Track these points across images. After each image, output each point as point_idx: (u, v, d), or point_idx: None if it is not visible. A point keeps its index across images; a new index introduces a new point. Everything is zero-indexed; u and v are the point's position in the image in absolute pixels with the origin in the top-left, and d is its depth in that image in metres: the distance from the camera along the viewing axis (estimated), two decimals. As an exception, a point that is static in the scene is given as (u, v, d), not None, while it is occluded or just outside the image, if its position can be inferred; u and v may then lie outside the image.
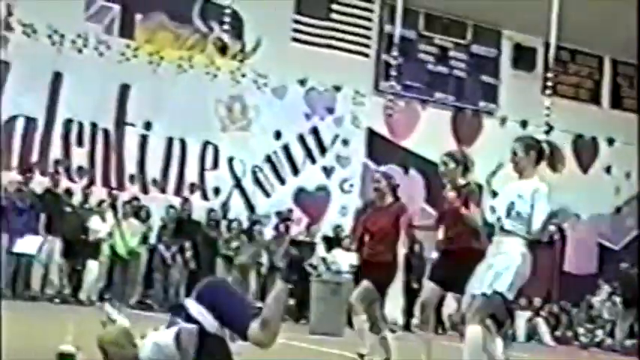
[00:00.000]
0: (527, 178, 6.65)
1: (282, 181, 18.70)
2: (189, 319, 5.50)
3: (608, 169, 21.61)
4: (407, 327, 17.72)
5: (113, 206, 16.36)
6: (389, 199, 8.69)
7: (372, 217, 8.86)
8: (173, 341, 5.45)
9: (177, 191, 17.83)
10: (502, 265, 6.47)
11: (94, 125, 17.28)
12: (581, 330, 19.15)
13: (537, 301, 18.55)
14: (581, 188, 20.56)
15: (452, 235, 7.82)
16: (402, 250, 16.42)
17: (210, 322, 5.47)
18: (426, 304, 7.88)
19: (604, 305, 19.12)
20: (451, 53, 20.36)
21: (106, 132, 17.41)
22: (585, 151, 21.39)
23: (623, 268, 18.75)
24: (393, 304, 17.43)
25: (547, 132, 18.06)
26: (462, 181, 7.82)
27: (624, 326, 18.30)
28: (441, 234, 7.96)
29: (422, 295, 8.05)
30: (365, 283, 8.46)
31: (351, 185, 19.28)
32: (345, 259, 15.34)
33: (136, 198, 16.99)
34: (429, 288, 7.98)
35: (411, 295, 17.59)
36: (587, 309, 19.51)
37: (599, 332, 18.67)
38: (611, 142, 21.55)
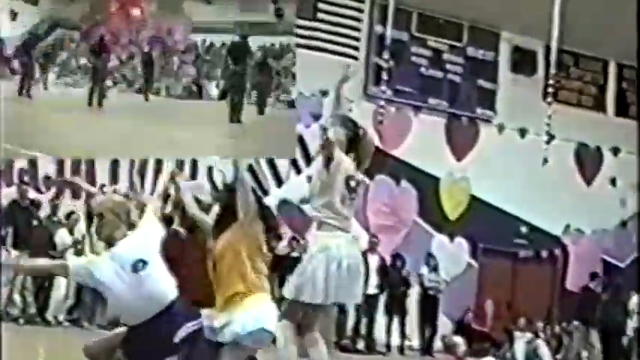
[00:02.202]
0: None
1: (265, 193, 17.96)
2: None
3: (613, 181, 21.31)
4: (428, 350, 17.44)
5: (89, 217, 15.62)
6: None
7: None
8: None
9: (152, 202, 17.14)
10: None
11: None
12: (584, 353, 18.41)
13: (538, 322, 18.24)
14: (585, 201, 20.51)
15: None
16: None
17: None
18: None
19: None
20: (446, 56, 20.02)
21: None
22: (589, 161, 21.20)
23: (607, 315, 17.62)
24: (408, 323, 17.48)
25: (548, 141, 18.21)
26: None
27: None
28: None
29: None
30: None
31: (339, 197, 18.65)
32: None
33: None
34: None
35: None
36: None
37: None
38: (616, 151, 21.31)
